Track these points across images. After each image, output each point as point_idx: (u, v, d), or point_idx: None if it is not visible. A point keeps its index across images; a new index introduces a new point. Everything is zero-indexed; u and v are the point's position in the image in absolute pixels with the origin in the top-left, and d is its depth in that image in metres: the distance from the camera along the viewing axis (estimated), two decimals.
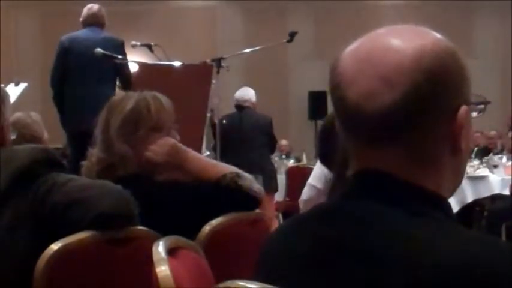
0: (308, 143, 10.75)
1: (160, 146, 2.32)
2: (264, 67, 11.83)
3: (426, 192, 1.05)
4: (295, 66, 12.47)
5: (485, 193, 6.80)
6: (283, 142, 10.63)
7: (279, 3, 12.25)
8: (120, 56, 5.48)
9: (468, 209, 6.70)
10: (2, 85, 2.14)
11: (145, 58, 5.98)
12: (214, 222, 2.18)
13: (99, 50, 5.22)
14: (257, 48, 6.05)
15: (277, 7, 12.28)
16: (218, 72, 5.04)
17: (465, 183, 6.36)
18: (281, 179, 7.40)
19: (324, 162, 2.77)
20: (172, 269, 1.24)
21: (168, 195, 2.23)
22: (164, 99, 2.37)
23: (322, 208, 1.13)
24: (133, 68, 5.67)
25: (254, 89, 7.07)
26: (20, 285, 1.73)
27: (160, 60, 5.23)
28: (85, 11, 6.06)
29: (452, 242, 0.97)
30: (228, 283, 1.06)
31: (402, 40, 1.05)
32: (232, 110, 6.84)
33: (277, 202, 7.26)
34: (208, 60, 5.14)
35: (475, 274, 0.93)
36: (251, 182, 2.30)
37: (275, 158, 8.31)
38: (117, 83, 5.82)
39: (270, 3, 12.16)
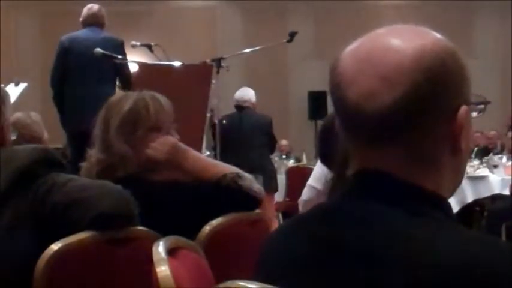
0: (308, 143, 10.76)
1: (161, 144, 2.32)
2: (264, 67, 11.84)
3: (426, 192, 1.05)
4: (295, 66, 12.47)
5: (485, 193, 6.79)
6: (283, 142, 10.63)
7: (279, 3, 12.25)
8: (120, 56, 5.48)
9: (468, 209, 6.70)
10: (2, 85, 2.14)
11: (145, 58, 5.98)
12: (215, 222, 2.18)
13: (98, 50, 5.22)
14: (257, 48, 6.05)
15: (277, 7, 12.28)
16: (218, 72, 5.04)
17: (465, 183, 6.35)
18: (281, 179, 7.40)
19: (324, 162, 2.77)
20: (172, 269, 1.24)
21: (168, 195, 2.23)
22: (163, 99, 2.37)
23: (322, 208, 1.13)
24: (133, 68, 5.67)
25: (254, 89, 7.07)
26: (20, 285, 1.73)
27: (160, 60, 5.23)
28: (85, 11, 6.06)
29: (452, 242, 0.97)
30: (228, 283, 1.06)
31: (402, 40, 1.05)
32: (232, 110, 6.85)
33: (277, 202, 7.27)
34: (208, 60, 5.13)
35: (475, 274, 0.93)
36: (251, 182, 2.30)
37: (275, 158, 8.31)
38: (117, 83, 5.82)
39: (269, 3, 12.16)
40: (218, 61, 5.07)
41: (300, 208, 3.40)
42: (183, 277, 1.26)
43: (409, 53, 1.03)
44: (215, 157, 5.05)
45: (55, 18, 11.27)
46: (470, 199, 6.67)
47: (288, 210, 6.93)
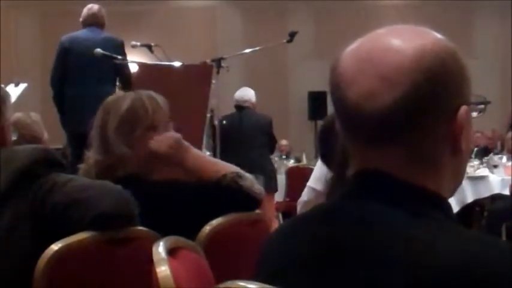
0: (308, 143, 10.76)
1: (165, 137, 2.33)
2: (264, 67, 11.84)
3: (426, 193, 1.05)
4: (295, 66, 12.47)
5: (485, 193, 6.79)
6: (283, 142, 10.63)
7: (279, 3, 12.26)
8: (120, 56, 5.48)
9: (468, 209, 6.69)
10: (2, 85, 2.14)
11: (145, 58, 5.98)
12: (215, 222, 2.18)
13: (99, 50, 5.22)
14: (257, 48, 6.05)
15: (277, 7, 12.28)
16: (218, 72, 5.04)
17: (465, 183, 6.35)
18: (281, 179, 7.40)
19: (325, 162, 2.77)
20: (172, 269, 1.24)
21: (168, 195, 2.23)
22: (159, 98, 2.38)
23: (322, 208, 1.13)
24: (133, 68, 5.67)
25: (254, 89, 7.07)
26: (20, 285, 1.73)
27: (160, 61, 5.23)
28: (85, 11, 6.06)
29: (452, 242, 0.97)
30: (228, 283, 1.06)
31: (402, 40, 1.05)
32: (232, 110, 6.85)
33: (277, 202, 7.27)
34: (208, 61, 5.13)
35: (475, 274, 0.93)
36: (252, 182, 2.30)
37: (275, 158, 8.31)
38: (117, 83, 5.82)
39: (269, 3, 12.16)
40: (218, 61, 5.07)
41: (299, 209, 3.40)
42: (183, 277, 1.27)
43: (409, 53, 1.03)
44: (215, 157, 5.04)
45: (55, 18, 11.27)
46: (470, 199, 6.67)
47: (288, 210, 6.93)
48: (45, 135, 3.97)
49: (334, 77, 1.07)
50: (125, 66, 5.73)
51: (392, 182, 1.04)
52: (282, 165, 8.42)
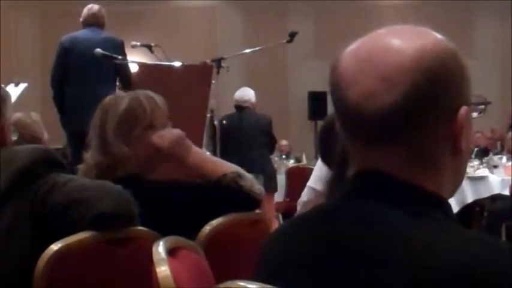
0: (308, 143, 10.76)
1: (169, 132, 2.33)
2: (264, 67, 11.83)
3: (426, 193, 1.05)
4: (295, 66, 12.47)
5: (485, 193, 6.79)
6: (283, 142, 10.63)
7: (279, 3, 12.25)
8: (120, 56, 5.48)
9: (468, 209, 6.70)
10: (2, 85, 2.14)
11: (145, 58, 5.98)
12: (215, 222, 2.18)
13: (99, 50, 5.22)
14: (257, 48, 6.05)
15: (277, 7, 12.28)
16: (218, 72, 5.04)
17: (465, 184, 6.35)
18: (281, 179, 7.40)
19: (325, 162, 2.77)
20: (172, 269, 1.24)
21: (168, 195, 2.23)
22: (157, 97, 2.38)
23: (322, 208, 1.13)
24: (134, 68, 5.67)
25: (254, 89, 7.07)
26: (20, 285, 1.73)
27: (160, 61, 5.23)
28: (85, 11, 6.06)
29: (452, 242, 0.97)
30: (228, 283, 1.06)
31: (402, 40, 1.05)
32: (232, 110, 6.85)
33: (277, 202, 7.26)
34: (208, 61, 5.13)
35: (475, 274, 0.93)
36: (252, 182, 2.30)
37: (275, 158, 8.31)
38: (117, 83, 5.82)
39: (269, 3, 12.16)
40: (218, 61, 5.07)
41: (299, 209, 3.40)
42: (183, 277, 1.27)
43: (410, 53, 1.03)
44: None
45: (55, 18, 11.27)
46: (470, 199, 6.67)
47: (288, 210, 6.92)
48: (45, 135, 3.97)
49: (334, 77, 1.07)
50: (125, 66, 5.72)
51: (392, 182, 1.04)
52: (282, 165, 8.42)
